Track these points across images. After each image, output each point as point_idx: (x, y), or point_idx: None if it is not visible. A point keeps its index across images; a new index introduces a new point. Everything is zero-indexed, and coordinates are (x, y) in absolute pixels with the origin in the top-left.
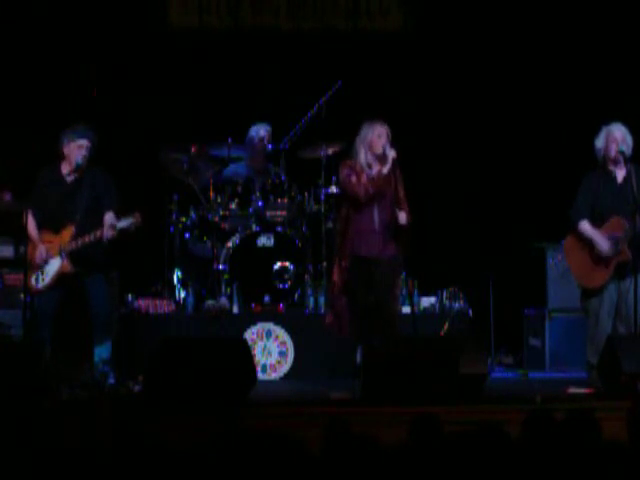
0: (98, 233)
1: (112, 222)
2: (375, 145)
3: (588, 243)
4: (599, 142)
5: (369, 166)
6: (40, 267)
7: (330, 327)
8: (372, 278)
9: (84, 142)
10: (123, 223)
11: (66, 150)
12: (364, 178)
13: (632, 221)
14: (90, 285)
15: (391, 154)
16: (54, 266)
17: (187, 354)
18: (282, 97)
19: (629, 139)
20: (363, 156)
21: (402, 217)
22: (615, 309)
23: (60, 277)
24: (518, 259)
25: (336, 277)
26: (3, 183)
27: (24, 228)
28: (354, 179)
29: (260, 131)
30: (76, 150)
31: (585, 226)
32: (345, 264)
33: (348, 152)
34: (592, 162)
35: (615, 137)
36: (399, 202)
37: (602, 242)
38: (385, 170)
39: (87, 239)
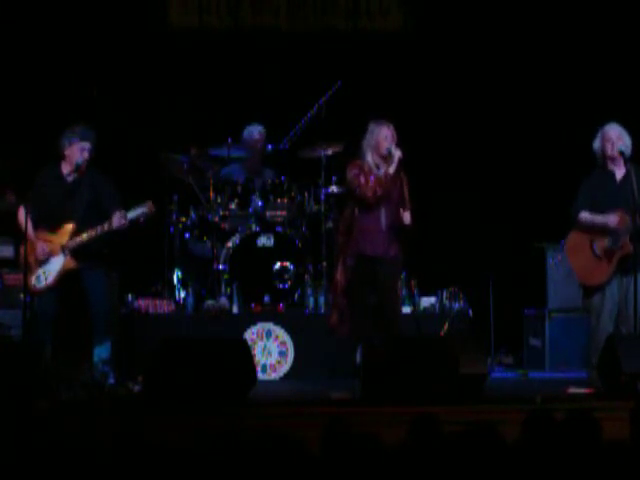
0: (106, 226)
1: (122, 213)
2: (381, 146)
3: (589, 239)
4: (596, 143)
5: (376, 167)
6: (41, 265)
7: (333, 327)
8: (376, 277)
9: (87, 145)
10: (134, 213)
11: (68, 151)
12: (372, 179)
13: (632, 219)
14: (90, 282)
15: (397, 154)
16: (56, 265)
17: (187, 354)
18: (282, 97)
19: (627, 139)
20: (370, 157)
21: (407, 217)
22: (617, 307)
23: (63, 275)
24: (518, 259)
25: (339, 276)
26: (6, 183)
27: (19, 227)
28: (362, 180)
29: (253, 132)
30: (78, 152)
31: (585, 215)
32: (350, 263)
33: (350, 152)
34: (592, 162)
35: (610, 137)
36: (404, 202)
37: (607, 218)
38: (391, 170)
39: (94, 232)
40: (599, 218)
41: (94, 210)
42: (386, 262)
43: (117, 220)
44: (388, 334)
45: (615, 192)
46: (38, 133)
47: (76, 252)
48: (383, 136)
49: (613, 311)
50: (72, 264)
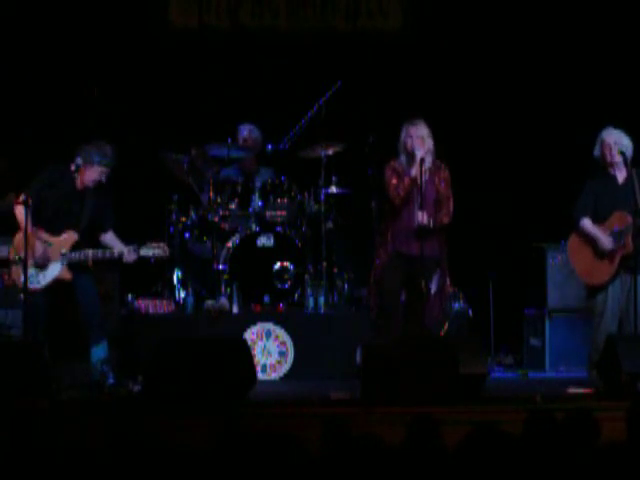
0: (116, 253)
1: (128, 248)
2: (407, 146)
3: (591, 240)
4: (596, 151)
5: (409, 167)
6: (36, 265)
7: (373, 325)
8: (408, 276)
9: (107, 170)
10: (147, 251)
11: (90, 169)
12: (407, 180)
13: (634, 221)
14: (78, 285)
15: (418, 155)
16: (53, 271)
17: (187, 354)
18: (282, 97)
19: (626, 141)
20: (403, 157)
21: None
22: (621, 307)
23: (56, 282)
24: (518, 259)
25: (372, 275)
26: (7, 183)
27: (16, 217)
28: (394, 181)
29: (242, 131)
30: (98, 175)
31: (587, 224)
32: (379, 262)
33: (346, 151)
34: (592, 163)
35: (608, 143)
36: (440, 201)
37: (604, 239)
38: (413, 172)
39: (99, 255)
40: (597, 233)
41: (94, 223)
42: (421, 262)
43: (128, 254)
44: (414, 332)
45: (617, 194)
46: (39, 133)
47: (71, 263)
48: (408, 136)
49: (616, 310)
50: (68, 275)
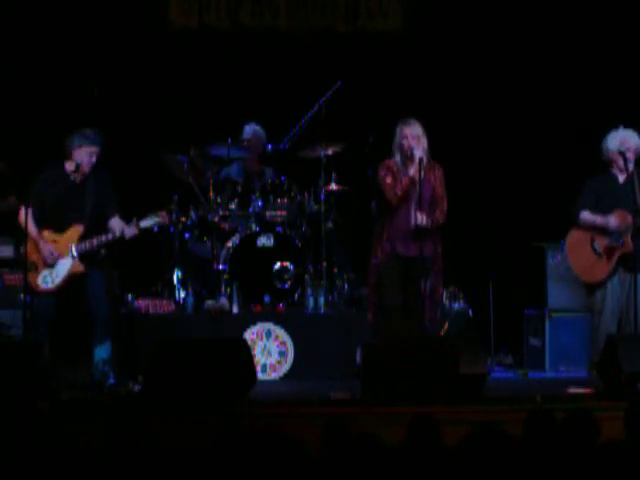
0: (117, 233)
1: (128, 224)
2: (404, 146)
3: (590, 236)
4: (612, 144)
5: (405, 167)
6: (47, 266)
7: (371, 325)
8: (406, 277)
9: (95, 149)
10: (147, 222)
11: (75, 154)
12: (406, 179)
13: (633, 220)
14: (90, 283)
15: (417, 155)
16: (65, 267)
17: (187, 354)
18: (282, 97)
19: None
20: (398, 157)
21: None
22: (620, 306)
23: (71, 278)
24: (518, 259)
25: (370, 275)
26: (7, 184)
27: (21, 226)
28: (389, 181)
29: (247, 131)
30: (87, 156)
31: (587, 215)
32: (376, 262)
33: (346, 151)
34: (592, 162)
35: (630, 146)
36: (435, 201)
37: (608, 219)
38: (411, 172)
39: (104, 239)
40: (600, 219)
41: (99, 212)
42: (419, 262)
43: (128, 229)
44: (414, 332)
45: (618, 194)
46: (39, 133)
47: (82, 255)
48: (404, 136)
49: (615, 309)
50: (80, 268)
